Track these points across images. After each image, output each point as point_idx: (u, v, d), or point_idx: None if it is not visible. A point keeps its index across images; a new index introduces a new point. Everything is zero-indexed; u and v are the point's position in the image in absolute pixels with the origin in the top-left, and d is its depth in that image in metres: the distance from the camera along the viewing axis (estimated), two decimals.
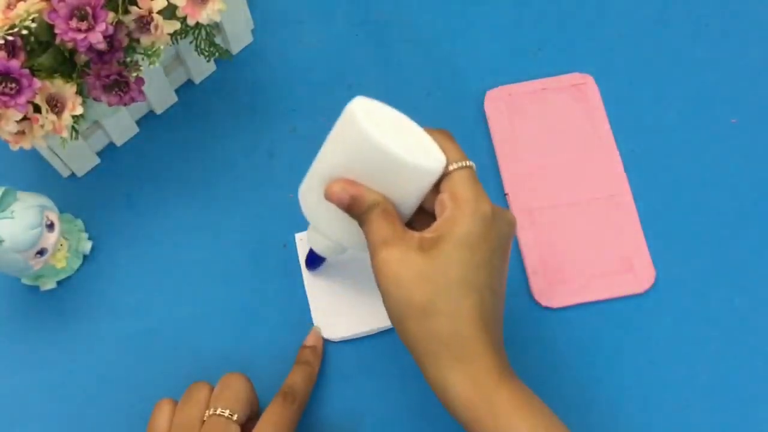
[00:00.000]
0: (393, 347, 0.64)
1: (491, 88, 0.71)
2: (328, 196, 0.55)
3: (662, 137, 0.70)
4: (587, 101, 0.71)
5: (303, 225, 0.68)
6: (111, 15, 0.56)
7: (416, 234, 0.54)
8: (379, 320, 0.64)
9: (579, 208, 0.67)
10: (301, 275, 0.66)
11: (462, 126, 0.71)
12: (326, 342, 0.64)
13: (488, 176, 0.69)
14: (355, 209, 0.55)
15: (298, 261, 0.66)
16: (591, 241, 0.66)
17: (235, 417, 0.56)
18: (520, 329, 0.64)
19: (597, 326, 0.64)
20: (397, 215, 0.55)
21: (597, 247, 0.66)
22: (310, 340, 0.64)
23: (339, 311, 0.65)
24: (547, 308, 0.64)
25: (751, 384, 0.63)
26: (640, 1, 0.75)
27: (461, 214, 0.53)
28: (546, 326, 0.64)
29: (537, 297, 0.65)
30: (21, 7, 0.55)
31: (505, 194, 0.68)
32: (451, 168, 0.55)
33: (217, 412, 0.56)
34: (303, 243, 0.67)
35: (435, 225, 0.54)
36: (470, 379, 0.51)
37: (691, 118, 0.70)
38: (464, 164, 0.55)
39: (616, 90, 0.71)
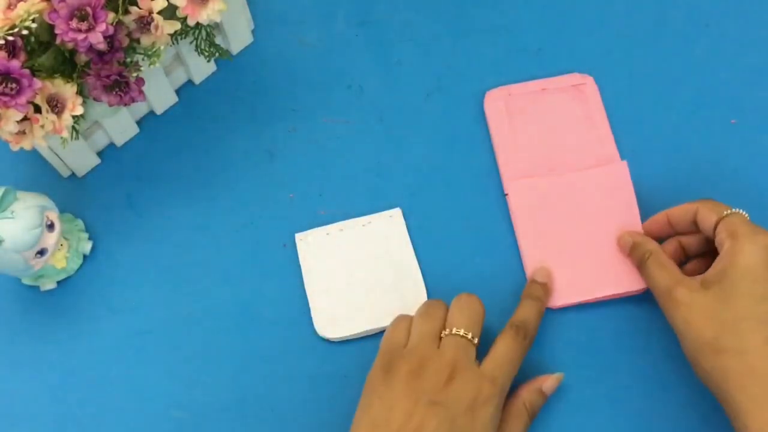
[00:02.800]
0: None
1: (491, 89, 0.71)
2: (618, 244, 0.64)
3: (663, 138, 0.70)
4: (587, 102, 0.71)
5: (303, 225, 0.68)
6: (111, 15, 0.56)
7: (697, 277, 0.57)
8: (378, 320, 0.64)
9: (579, 208, 0.67)
10: (300, 275, 0.66)
11: (462, 126, 0.71)
12: (327, 341, 0.64)
13: (487, 177, 0.69)
14: (634, 255, 0.62)
15: (297, 261, 0.66)
16: (591, 240, 0.66)
17: (475, 340, 0.57)
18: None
19: (599, 326, 0.64)
20: (673, 263, 0.59)
21: (598, 246, 0.65)
22: (540, 276, 0.64)
23: (339, 311, 0.65)
24: (547, 308, 0.64)
25: None
26: (641, 2, 0.75)
27: (740, 247, 0.55)
28: (548, 327, 0.64)
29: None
30: (21, 8, 0.55)
31: (505, 194, 0.68)
32: (725, 213, 0.58)
33: (460, 333, 0.57)
34: (303, 243, 0.67)
35: (715, 263, 0.56)
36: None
37: (691, 118, 0.71)
38: (736, 210, 0.58)
39: (616, 90, 0.71)
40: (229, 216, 0.69)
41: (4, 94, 0.54)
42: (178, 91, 0.72)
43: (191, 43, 0.66)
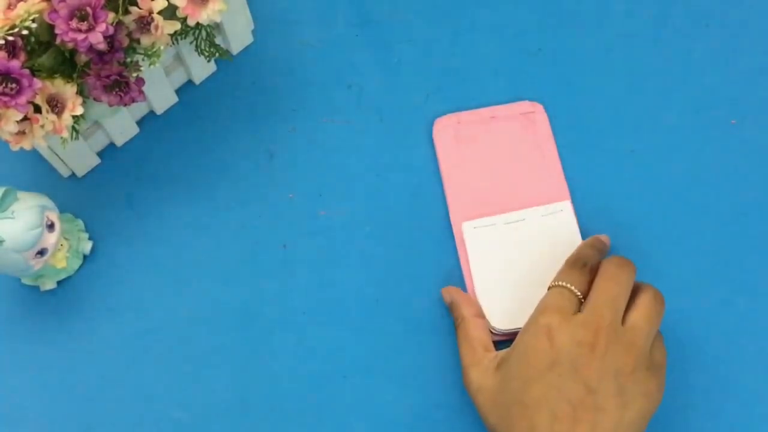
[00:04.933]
0: None
1: (440, 116, 0.71)
2: (443, 295, 0.63)
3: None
4: (536, 130, 0.70)
5: (302, 225, 0.68)
6: (111, 15, 0.56)
7: (499, 352, 0.57)
8: None
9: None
10: (300, 275, 0.66)
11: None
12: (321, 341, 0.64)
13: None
14: (452, 314, 0.63)
15: (297, 261, 0.66)
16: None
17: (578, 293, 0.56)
18: None
19: None
20: (480, 338, 0.59)
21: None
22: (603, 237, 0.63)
23: (510, 303, 0.63)
24: (495, 342, 0.63)
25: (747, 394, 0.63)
26: (641, 2, 0.75)
27: (525, 327, 0.56)
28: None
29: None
30: (21, 8, 0.55)
31: (451, 223, 0.67)
32: (552, 284, 0.58)
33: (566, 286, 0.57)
34: (474, 232, 0.66)
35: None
36: None
37: (691, 118, 0.71)
38: (559, 284, 0.57)
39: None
40: (229, 216, 0.69)
41: (4, 94, 0.54)
42: (178, 91, 0.72)
43: (191, 43, 0.66)
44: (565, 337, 0.53)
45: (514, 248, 0.65)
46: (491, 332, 0.63)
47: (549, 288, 0.58)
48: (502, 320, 0.63)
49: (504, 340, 0.63)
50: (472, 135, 0.70)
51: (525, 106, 0.71)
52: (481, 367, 0.57)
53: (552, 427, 0.51)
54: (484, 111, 0.71)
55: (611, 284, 0.55)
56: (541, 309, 0.56)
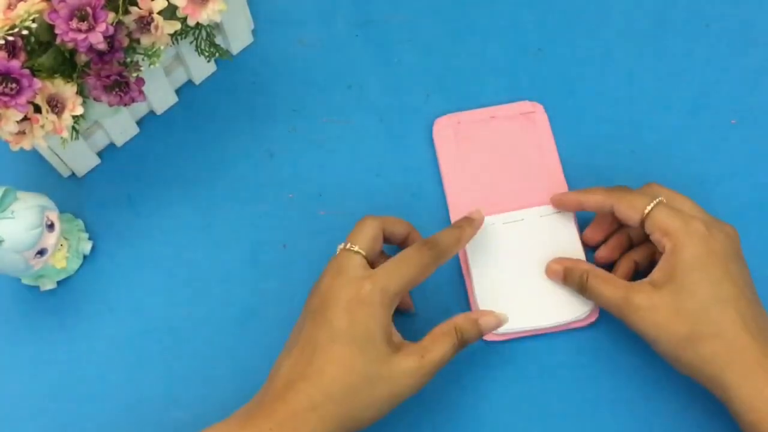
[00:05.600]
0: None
1: (440, 116, 0.70)
2: (548, 275, 0.64)
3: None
4: (536, 130, 0.70)
5: (302, 225, 0.68)
6: (111, 15, 0.56)
7: (644, 280, 0.58)
8: (547, 318, 0.63)
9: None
10: (300, 275, 0.66)
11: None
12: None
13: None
14: (571, 280, 0.62)
15: (297, 261, 0.66)
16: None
17: (355, 248, 0.58)
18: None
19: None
20: (612, 275, 0.61)
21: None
22: (473, 214, 0.63)
23: (506, 303, 0.63)
24: (492, 342, 0.64)
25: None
26: (641, 2, 0.75)
27: (678, 242, 0.57)
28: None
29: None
30: (21, 8, 0.55)
31: (450, 223, 0.67)
32: (646, 210, 0.59)
33: (347, 247, 0.58)
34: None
35: (659, 264, 0.58)
36: (760, 393, 0.53)
37: (691, 118, 0.71)
38: (654, 202, 0.59)
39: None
40: (229, 216, 0.69)
41: (4, 94, 0.54)
42: (178, 91, 0.72)
43: (191, 43, 0.66)
44: (716, 237, 0.58)
45: (513, 248, 0.65)
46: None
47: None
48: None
49: (502, 341, 0.63)
50: (472, 135, 0.70)
51: (525, 106, 0.70)
52: (641, 290, 0.58)
53: (750, 309, 0.56)
54: (484, 111, 0.71)
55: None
56: None
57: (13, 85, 0.55)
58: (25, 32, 0.55)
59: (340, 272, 0.57)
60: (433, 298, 0.65)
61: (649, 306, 0.57)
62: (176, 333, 0.65)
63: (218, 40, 0.70)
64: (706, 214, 0.60)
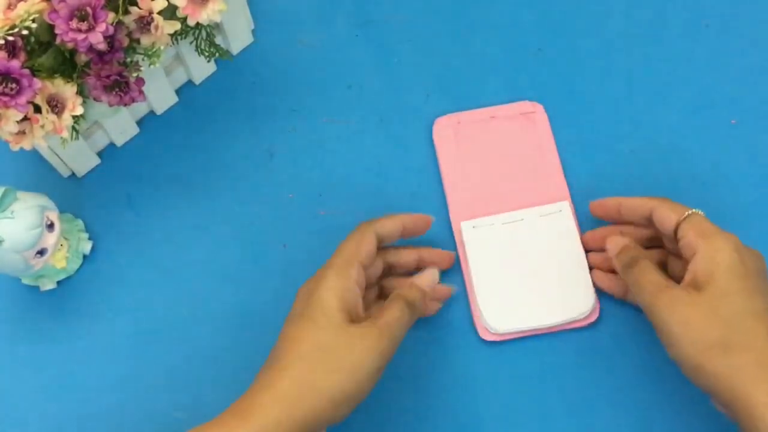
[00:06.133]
0: None
1: (440, 116, 0.70)
2: (608, 243, 0.61)
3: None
4: (536, 130, 0.69)
5: (302, 225, 0.68)
6: (111, 15, 0.56)
7: (684, 279, 0.56)
8: (548, 317, 0.63)
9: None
10: (300, 275, 0.66)
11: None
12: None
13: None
14: (621, 259, 0.60)
15: (297, 261, 0.66)
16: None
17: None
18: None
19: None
20: (660, 270, 0.58)
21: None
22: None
23: (507, 303, 0.64)
24: (492, 342, 0.64)
25: None
26: (641, 2, 0.75)
27: (718, 246, 0.55)
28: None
29: (480, 332, 0.64)
30: (21, 8, 0.55)
31: (450, 223, 0.67)
32: (687, 213, 0.58)
33: None
34: (473, 231, 0.66)
35: (692, 266, 0.56)
36: None
37: (691, 118, 0.71)
38: (695, 210, 0.58)
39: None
40: (229, 216, 0.69)
41: (4, 94, 0.54)
42: (178, 91, 0.72)
43: (191, 43, 0.66)
44: (747, 253, 0.56)
45: (512, 248, 0.65)
46: (487, 332, 0.63)
47: None
48: (498, 320, 0.63)
49: (502, 341, 0.63)
50: (472, 135, 0.70)
51: (525, 106, 0.70)
52: (680, 285, 0.56)
53: None
54: (485, 111, 0.71)
55: None
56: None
57: (13, 85, 0.55)
58: (25, 32, 0.55)
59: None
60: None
61: (688, 301, 0.55)
62: (176, 333, 0.65)
63: (218, 40, 0.70)
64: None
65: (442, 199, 0.68)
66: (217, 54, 0.68)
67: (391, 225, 0.61)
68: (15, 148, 0.58)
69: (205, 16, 0.59)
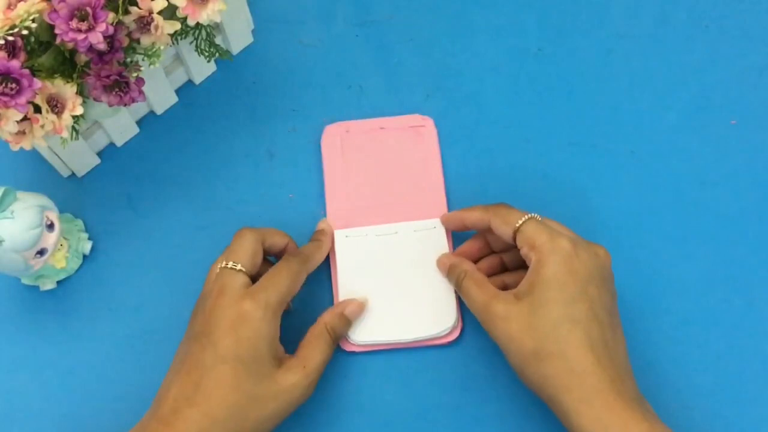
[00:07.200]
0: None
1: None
2: (438, 266, 0.64)
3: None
4: (423, 144, 0.69)
5: (301, 225, 0.68)
6: (111, 15, 0.56)
7: (510, 291, 0.58)
8: (408, 332, 0.63)
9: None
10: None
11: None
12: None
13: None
14: (451, 277, 0.62)
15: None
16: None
17: (238, 267, 0.59)
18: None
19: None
20: (488, 281, 0.59)
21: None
22: (321, 224, 0.66)
23: (370, 315, 0.64)
24: (352, 353, 0.64)
25: None
26: (641, 2, 0.75)
27: (542, 257, 0.56)
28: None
29: (341, 342, 0.63)
30: (21, 8, 0.55)
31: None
32: (518, 224, 0.58)
33: (228, 265, 0.59)
34: (346, 241, 0.66)
35: (525, 277, 0.57)
36: (597, 421, 0.52)
37: (691, 118, 0.71)
38: (527, 217, 0.59)
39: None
40: (229, 216, 0.69)
41: (4, 94, 0.54)
42: (178, 91, 0.72)
43: (191, 43, 0.66)
44: (584, 255, 0.57)
45: (382, 261, 0.65)
46: (349, 343, 0.63)
47: None
48: (361, 332, 0.63)
49: (362, 352, 0.63)
50: (360, 145, 0.69)
51: (415, 119, 0.70)
52: (503, 299, 0.57)
53: (602, 333, 0.55)
54: (374, 121, 0.70)
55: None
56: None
57: (13, 85, 0.55)
58: (25, 32, 0.55)
59: (222, 293, 0.58)
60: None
61: (506, 316, 0.56)
62: (176, 333, 0.65)
63: (218, 40, 0.70)
64: (576, 235, 0.59)
65: (323, 207, 0.68)
66: (217, 54, 0.68)
67: (319, 258, 0.63)
68: (15, 148, 0.58)
69: (205, 16, 0.59)
